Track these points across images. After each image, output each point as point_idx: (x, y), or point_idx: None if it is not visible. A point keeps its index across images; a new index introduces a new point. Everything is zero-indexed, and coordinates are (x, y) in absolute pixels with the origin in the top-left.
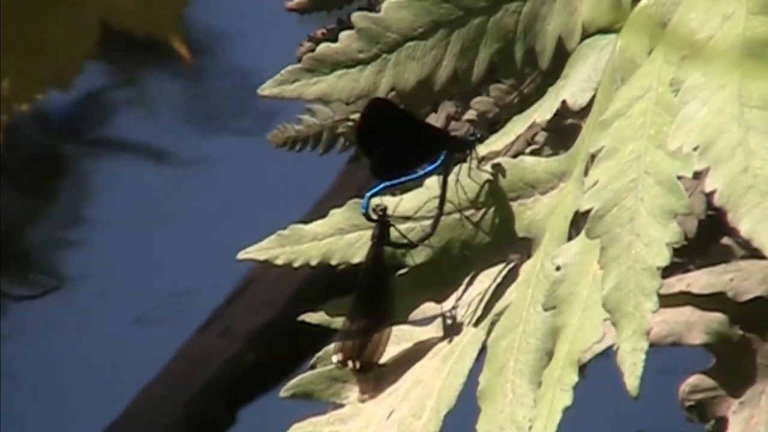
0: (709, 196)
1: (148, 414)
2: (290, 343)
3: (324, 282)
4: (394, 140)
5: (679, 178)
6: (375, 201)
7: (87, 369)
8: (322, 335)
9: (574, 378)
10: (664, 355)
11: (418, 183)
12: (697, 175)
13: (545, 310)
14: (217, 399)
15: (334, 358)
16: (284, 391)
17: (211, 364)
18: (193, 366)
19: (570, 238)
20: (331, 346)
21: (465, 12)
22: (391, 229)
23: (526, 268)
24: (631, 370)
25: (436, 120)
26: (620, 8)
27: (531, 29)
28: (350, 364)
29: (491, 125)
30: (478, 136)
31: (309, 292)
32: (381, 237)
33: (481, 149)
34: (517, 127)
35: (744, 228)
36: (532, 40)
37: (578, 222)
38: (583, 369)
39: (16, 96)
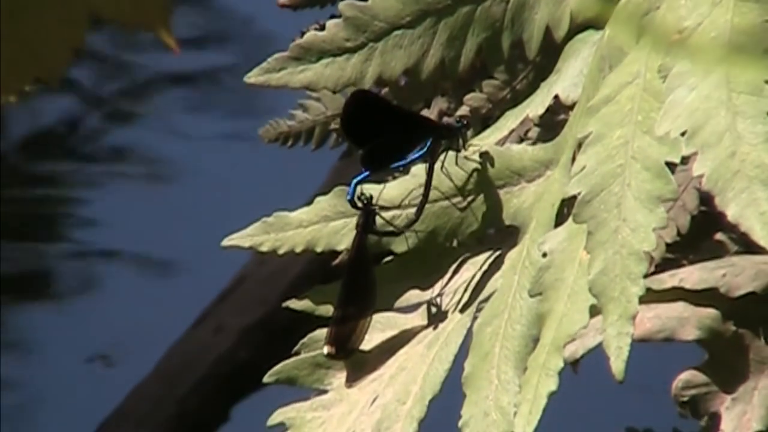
0: (701, 192)
1: (140, 412)
2: (283, 340)
3: (317, 279)
4: (382, 131)
5: (668, 164)
6: (360, 189)
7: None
8: (314, 331)
9: (560, 363)
10: (656, 352)
11: (405, 170)
12: (685, 161)
13: (531, 296)
14: (210, 396)
15: (325, 350)
16: (268, 377)
17: (204, 362)
18: (186, 363)
19: (557, 226)
20: (316, 333)
21: (453, 1)
22: (377, 217)
23: (512, 255)
24: (617, 354)
25: (428, 115)
26: None
27: (519, 18)
28: (326, 349)
29: (484, 121)
30: (465, 122)
31: (302, 289)
32: (365, 225)
33: (474, 143)
34: (509, 122)
35: (731, 212)
36: (520, 30)
37: (565, 209)
38: (575, 364)
39: (5, 88)
